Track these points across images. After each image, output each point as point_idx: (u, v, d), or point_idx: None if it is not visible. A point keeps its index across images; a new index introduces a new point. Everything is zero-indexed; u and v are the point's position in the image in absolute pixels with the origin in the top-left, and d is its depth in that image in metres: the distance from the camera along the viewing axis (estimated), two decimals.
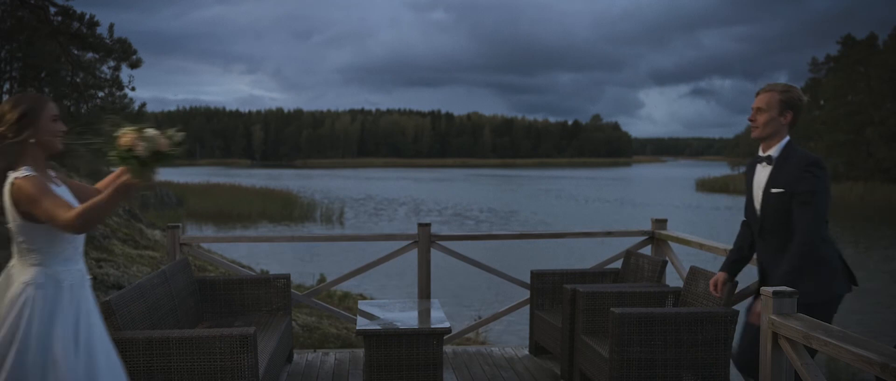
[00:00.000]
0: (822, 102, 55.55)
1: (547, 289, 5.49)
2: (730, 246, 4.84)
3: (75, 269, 2.86)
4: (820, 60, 58.09)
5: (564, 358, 4.85)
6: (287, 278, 5.28)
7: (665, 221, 6.02)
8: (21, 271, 2.79)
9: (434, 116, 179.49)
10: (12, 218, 2.76)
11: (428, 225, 5.85)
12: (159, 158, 2.66)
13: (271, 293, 5.21)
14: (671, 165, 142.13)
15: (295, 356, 5.56)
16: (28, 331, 2.68)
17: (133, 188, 2.66)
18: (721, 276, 3.91)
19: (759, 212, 3.47)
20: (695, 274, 4.74)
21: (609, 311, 4.16)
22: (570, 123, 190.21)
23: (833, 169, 50.37)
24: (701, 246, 5.28)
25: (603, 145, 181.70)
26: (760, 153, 3.48)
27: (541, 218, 31.56)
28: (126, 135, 2.64)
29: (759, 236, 3.51)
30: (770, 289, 3.06)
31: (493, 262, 6.22)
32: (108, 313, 3.65)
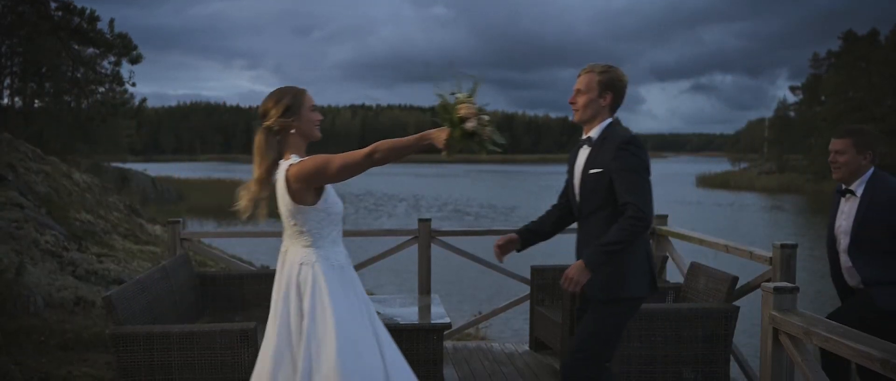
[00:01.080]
0: (823, 99, 55.47)
1: (547, 285, 5.49)
2: (730, 242, 4.87)
3: (340, 250, 2.95)
4: (821, 56, 58.02)
5: (565, 354, 4.85)
6: None
7: (666, 216, 6.02)
8: (295, 253, 2.89)
9: (435, 112, 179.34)
10: (285, 204, 2.85)
11: (428, 221, 5.85)
12: (475, 140, 2.68)
13: (272, 289, 5.20)
14: (672, 161, 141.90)
15: None
16: (318, 308, 2.77)
17: (432, 145, 2.72)
18: (512, 235, 3.59)
19: (578, 195, 3.31)
20: (695, 270, 4.75)
21: None
22: (570, 118, 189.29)
23: None
24: (701, 242, 5.28)
25: None
26: (582, 136, 3.34)
27: (541, 214, 31.49)
28: (467, 107, 2.67)
29: (578, 222, 3.34)
30: (771, 285, 3.06)
31: (493, 258, 6.18)
32: (108, 308, 3.66)
